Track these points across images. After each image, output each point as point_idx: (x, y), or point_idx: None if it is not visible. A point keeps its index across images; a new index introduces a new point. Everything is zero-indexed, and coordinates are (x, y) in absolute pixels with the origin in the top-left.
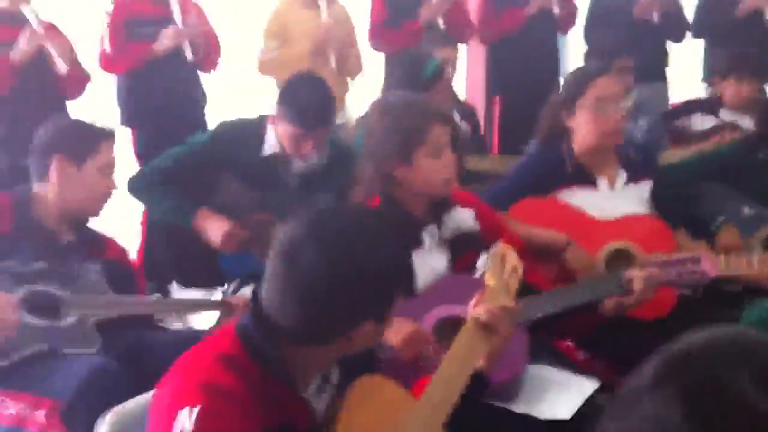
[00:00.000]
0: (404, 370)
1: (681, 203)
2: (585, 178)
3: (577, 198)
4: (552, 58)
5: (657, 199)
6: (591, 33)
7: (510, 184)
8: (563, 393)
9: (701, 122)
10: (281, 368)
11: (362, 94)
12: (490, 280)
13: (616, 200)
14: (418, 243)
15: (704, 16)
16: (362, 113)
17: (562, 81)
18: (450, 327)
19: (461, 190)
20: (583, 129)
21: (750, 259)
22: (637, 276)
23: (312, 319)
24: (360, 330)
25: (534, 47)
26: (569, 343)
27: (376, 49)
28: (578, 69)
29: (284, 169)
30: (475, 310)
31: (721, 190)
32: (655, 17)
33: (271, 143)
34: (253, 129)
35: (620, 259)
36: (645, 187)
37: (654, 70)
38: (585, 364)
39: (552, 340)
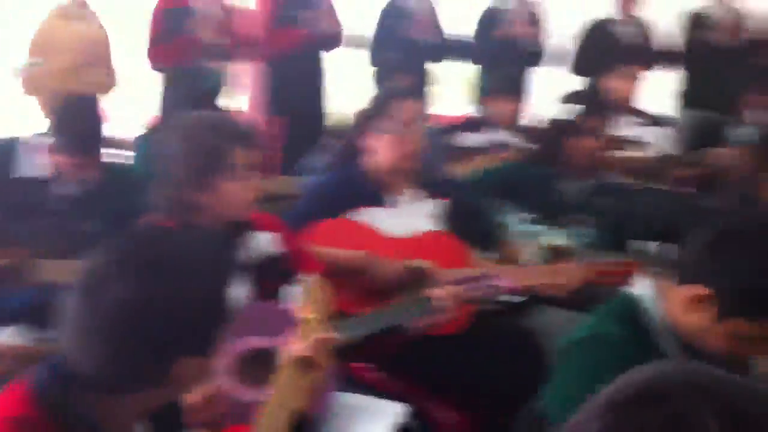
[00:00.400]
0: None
1: (470, 219)
2: (382, 197)
3: (374, 217)
4: (319, 78)
5: (449, 215)
6: (376, 53)
7: (306, 206)
8: (373, 421)
9: (474, 139)
10: (88, 428)
11: None
12: (305, 312)
13: (411, 218)
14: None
15: (478, 39)
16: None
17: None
18: (255, 360)
19: (262, 214)
20: (383, 150)
21: (537, 271)
22: (444, 295)
23: (123, 362)
24: (181, 369)
25: (306, 66)
26: (365, 366)
27: (153, 66)
28: (381, 90)
29: (49, 194)
30: (294, 345)
31: (504, 205)
32: (426, 39)
33: (32, 166)
34: (4, 151)
35: (418, 276)
36: (439, 204)
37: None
38: (383, 386)
39: (350, 364)
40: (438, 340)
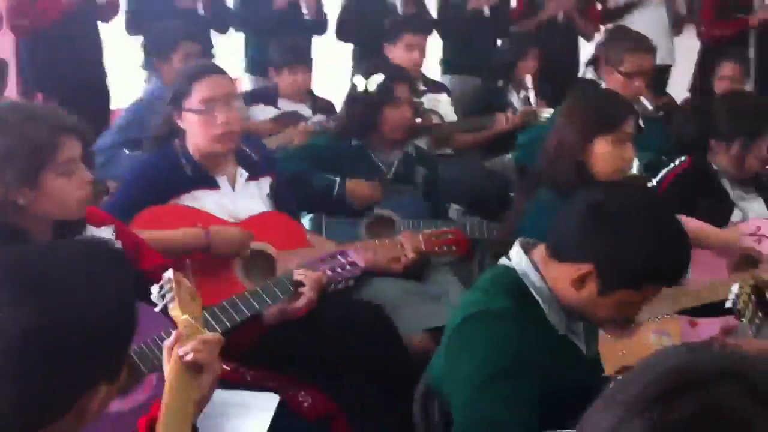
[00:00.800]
0: None
1: (294, 196)
2: (205, 179)
3: (201, 201)
4: (96, 50)
5: (275, 193)
6: (139, 25)
7: (125, 194)
8: (246, 415)
9: (262, 112)
10: None
11: None
12: (178, 312)
13: (239, 200)
14: None
15: (243, 9)
16: None
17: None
18: None
19: (92, 208)
20: (193, 131)
21: (381, 246)
22: (306, 277)
23: (21, 399)
24: (91, 398)
25: (76, 39)
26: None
27: None
28: (186, 67)
29: None
30: (178, 349)
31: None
32: (200, 8)
33: None
34: None
35: (260, 261)
36: (265, 184)
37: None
38: (239, 378)
39: None
40: (285, 324)
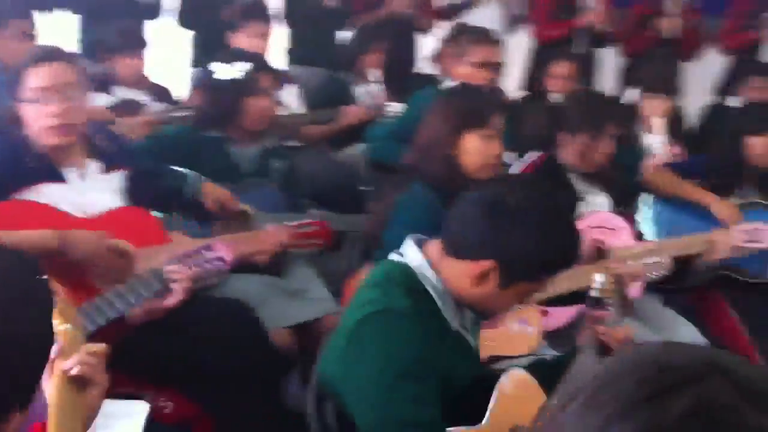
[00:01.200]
0: None
1: (151, 188)
2: (51, 172)
3: (47, 196)
4: None
5: (131, 187)
6: None
7: None
8: (113, 426)
9: (97, 100)
10: None
11: None
12: (57, 322)
13: (90, 194)
14: None
15: None
16: None
17: None
18: None
19: None
20: (30, 122)
21: (243, 239)
22: (179, 273)
23: None
24: (4, 429)
25: None
26: None
27: None
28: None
29: None
30: (62, 363)
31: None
32: None
33: None
34: None
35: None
36: (120, 177)
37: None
38: None
39: None
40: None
